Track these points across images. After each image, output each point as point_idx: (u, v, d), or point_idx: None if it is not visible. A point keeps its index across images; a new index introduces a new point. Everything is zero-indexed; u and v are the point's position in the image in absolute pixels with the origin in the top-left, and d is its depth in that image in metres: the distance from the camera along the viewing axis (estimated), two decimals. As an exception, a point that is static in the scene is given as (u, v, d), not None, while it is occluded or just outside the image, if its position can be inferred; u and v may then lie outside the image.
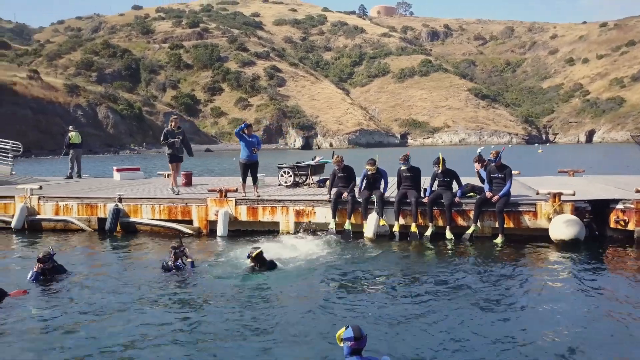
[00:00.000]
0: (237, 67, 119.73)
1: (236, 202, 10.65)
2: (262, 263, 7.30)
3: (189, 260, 7.54)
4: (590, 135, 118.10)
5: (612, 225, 9.37)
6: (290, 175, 13.02)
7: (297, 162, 13.46)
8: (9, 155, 16.73)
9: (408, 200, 9.78)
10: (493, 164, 9.62)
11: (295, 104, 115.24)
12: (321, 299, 6.36)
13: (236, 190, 10.86)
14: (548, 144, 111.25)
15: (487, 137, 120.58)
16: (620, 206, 9.26)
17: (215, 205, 10.68)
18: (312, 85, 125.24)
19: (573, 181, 12.86)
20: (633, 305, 6.11)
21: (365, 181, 10.20)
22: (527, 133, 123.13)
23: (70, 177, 16.46)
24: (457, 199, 9.67)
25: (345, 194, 9.98)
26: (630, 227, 9.13)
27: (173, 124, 11.55)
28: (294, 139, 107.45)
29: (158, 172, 17.25)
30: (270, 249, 8.38)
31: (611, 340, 5.16)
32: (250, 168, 10.99)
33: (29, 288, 6.66)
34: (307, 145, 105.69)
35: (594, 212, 9.60)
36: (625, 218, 9.17)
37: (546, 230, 9.28)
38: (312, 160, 13.36)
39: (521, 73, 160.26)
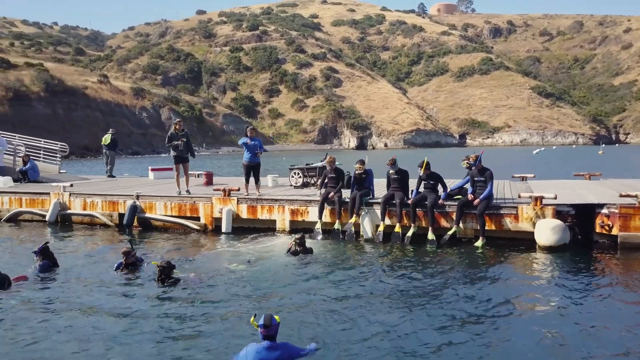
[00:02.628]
0: (295, 68, 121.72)
1: (238, 200, 11.45)
2: (166, 276, 7.17)
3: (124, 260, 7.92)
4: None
5: (598, 230, 9.36)
6: (300, 177, 13.71)
7: (307, 164, 14.13)
8: (57, 155, 18.43)
9: (394, 202, 10.18)
10: (474, 168, 9.83)
11: (351, 104, 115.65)
12: (288, 298, 6.73)
13: (238, 190, 11.66)
14: (617, 145, 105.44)
15: (550, 137, 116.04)
16: (605, 211, 9.24)
17: (220, 203, 11.52)
18: (368, 86, 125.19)
19: (581, 185, 12.67)
20: (608, 311, 6.24)
21: (353, 182, 10.70)
22: (594, 133, 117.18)
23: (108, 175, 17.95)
24: (441, 201, 9.97)
25: (332, 194, 10.50)
26: (614, 232, 9.10)
27: (177, 126, 12.41)
28: (349, 140, 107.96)
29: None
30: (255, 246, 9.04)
31: (588, 346, 5.21)
32: (252, 169, 11.74)
33: (29, 276, 7.72)
34: (361, 146, 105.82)
35: (582, 217, 9.61)
36: (610, 223, 9.15)
37: (528, 233, 9.42)
38: (321, 162, 13.96)
39: (590, 69, 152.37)
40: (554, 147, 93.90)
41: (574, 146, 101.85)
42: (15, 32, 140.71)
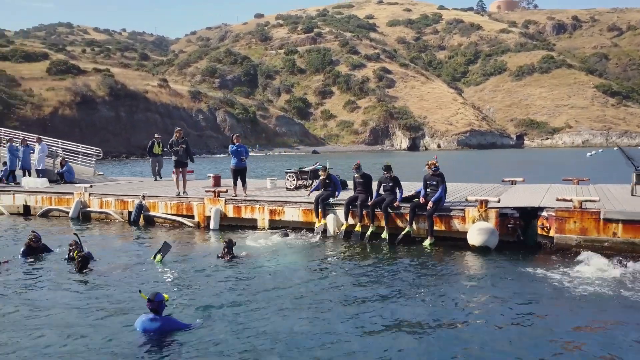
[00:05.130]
0: (348, 70, 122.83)
1: (225, 201, 12.80)
2: (83, 265, 8.38)
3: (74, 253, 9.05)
4: None
5: (539, 232, 9.93)
6: (294, 179, 14.92)
7: (300, 168, 15.34)
8: (93, 159, 20.60)
9: (357, 203, 11.16)
10: (429, 172, 10.63)
11: (403, 104, 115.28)
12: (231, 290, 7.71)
13: (227, 192, 13.01)
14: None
15: (615, 138, 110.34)
16: (544, 214, 9.82)
17: (210, 203, 12.92)
18: (422, 86, 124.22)
19: (557, 189, 13.04)
20: (523, 303, 6.93)
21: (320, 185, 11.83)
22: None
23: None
24: (397, 203, 10.84)
25: None
26: (552, 233, 9.66)
27: (178, 135, 13.91)
28: (400, 140, 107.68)
29: (208, 174, 19.95)
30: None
31: (509, 339, 5.76)
32: (239, 173, 13.07)
33: (17, 259, 9.40)
34: (413, 147, 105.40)
35: (529, 219, 10.21)
36: (548, 225, 9.72)
37: (472, 234, 10.12)
38: (312, 166, 15.12)
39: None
40: (615, 149, 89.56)
41: (638, 147, 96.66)
42: (87, 39, 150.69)
